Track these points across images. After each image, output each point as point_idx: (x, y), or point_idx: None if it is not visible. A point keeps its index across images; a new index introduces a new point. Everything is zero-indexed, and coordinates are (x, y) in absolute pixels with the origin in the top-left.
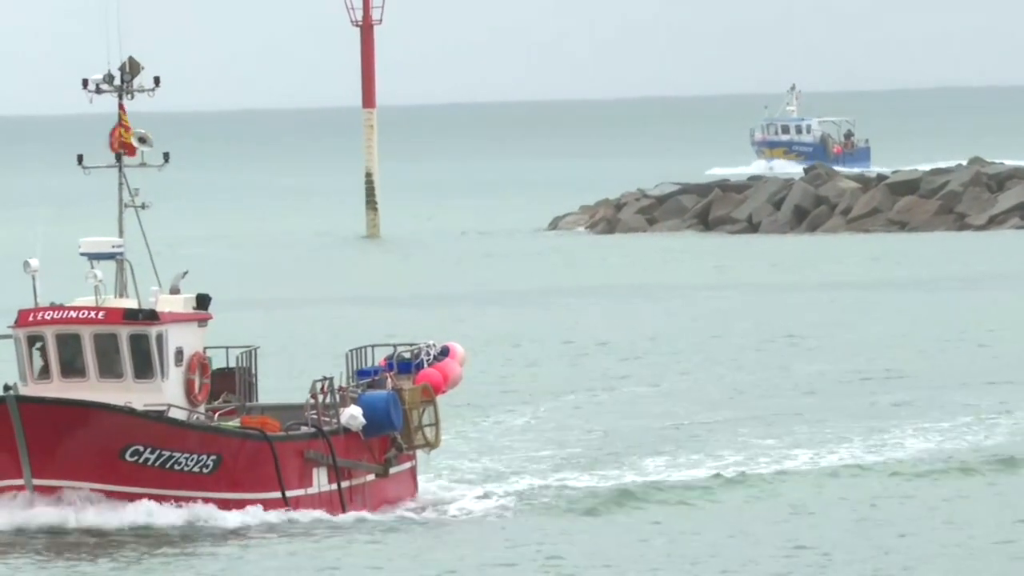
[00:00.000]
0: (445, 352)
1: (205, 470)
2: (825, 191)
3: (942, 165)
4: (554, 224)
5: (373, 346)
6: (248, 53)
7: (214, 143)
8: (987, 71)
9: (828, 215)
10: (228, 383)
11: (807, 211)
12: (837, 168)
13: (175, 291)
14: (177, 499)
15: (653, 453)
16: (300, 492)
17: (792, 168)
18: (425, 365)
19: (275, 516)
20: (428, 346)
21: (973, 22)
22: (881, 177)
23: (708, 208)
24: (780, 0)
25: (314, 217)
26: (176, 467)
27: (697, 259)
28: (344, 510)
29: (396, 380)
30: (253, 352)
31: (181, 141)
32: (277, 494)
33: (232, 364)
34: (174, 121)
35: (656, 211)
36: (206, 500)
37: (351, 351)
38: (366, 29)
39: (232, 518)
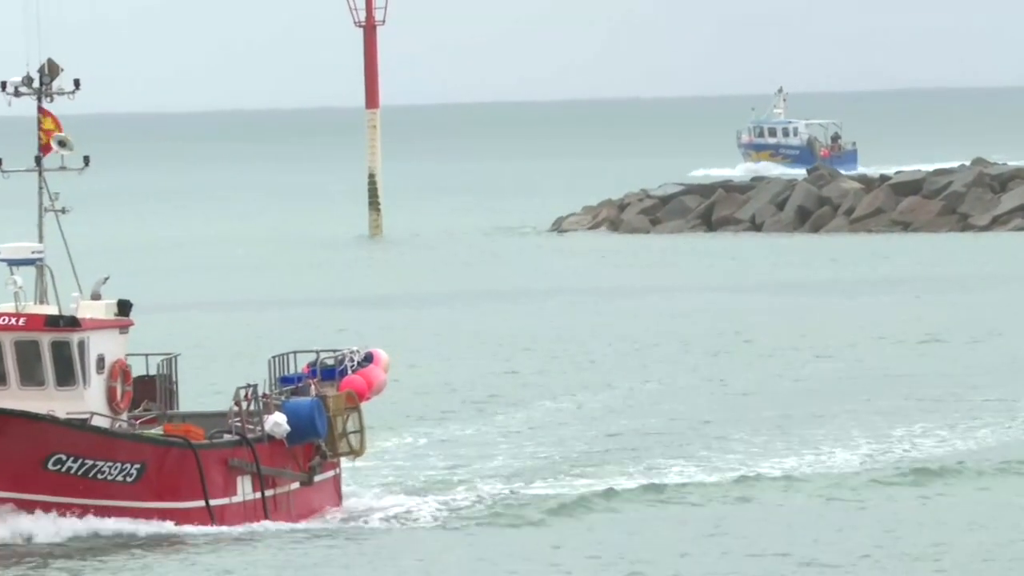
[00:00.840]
0: (369, 358)
1: (129, 479)
2: (828, 192)
3: (935, 167)
4: (557, 224)
5: (296, 352)
6: (249, 53)
7: (215, 143)
8: (983, 72)
9: (831, 216)
10: (148, 391)
11: (810, 211)
12: None
13: (96, 297)
14: (101, 508)
15: (653, 454)
16: (224, 501)
17: (777, 170)
18: (349, 371)
19: (199, 525)
20: (352, 352)
21: (971, 22)
22: (884, 178)
23: (711, 208)
24: (782, 1)
25: (315, 217)
26: (100, 476)
27: (701, 259)
28: (268, 519)
29: (320, 387)
30: (173, 359)
31: (181, 141)
32: (201, 503)
33: (158, 372)
34: (174, 121)
35: (659, 211)
36: (130, 509)
37: (274, 357)
38: (369, 30)
39: (156, 527)
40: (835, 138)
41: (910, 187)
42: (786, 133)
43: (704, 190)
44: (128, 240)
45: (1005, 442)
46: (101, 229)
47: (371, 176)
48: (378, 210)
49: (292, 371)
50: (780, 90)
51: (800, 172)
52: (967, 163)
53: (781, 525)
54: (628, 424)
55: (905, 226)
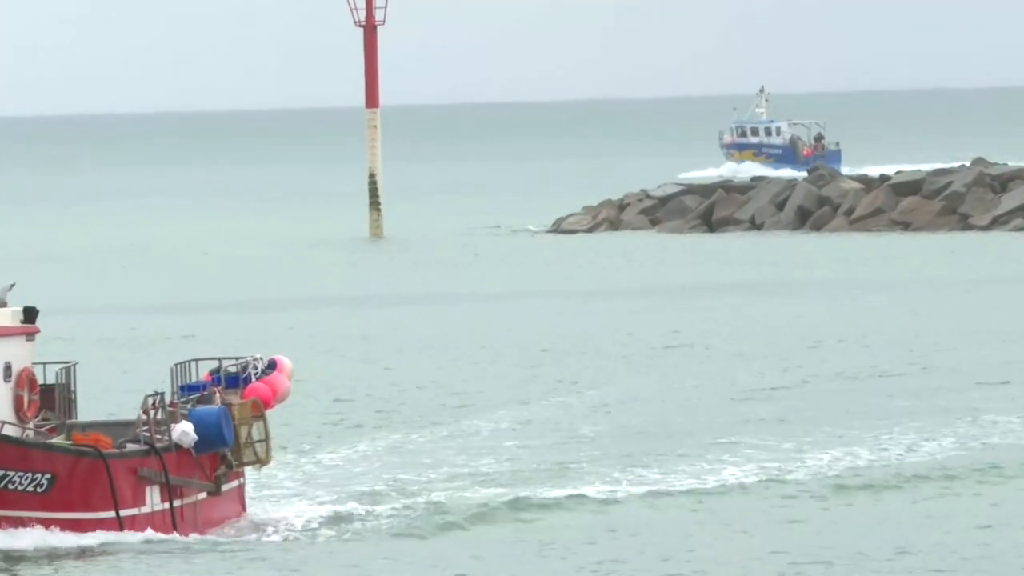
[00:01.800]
0: (272, 366)
1: (39, 489)
2: (828, 192)
3: (922, 167)
4: (557, 224)
5: (197, 360)
6: (249, 53)
7: (215, 142)
8: (976, 72)
9: (831, 216)
10: (48, 400)
11: (810, 212)
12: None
13: (1, 304)
14: (10, 520)
15: (653, 454)
16: (134, 511)
17: (760, 171)
18: (253, 379)
19: (109, 536)
20: (255, 359)
21: (963, 22)
22: (884, 178)
23: (711, 209)
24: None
25: (316, 217)
26: (10, 486)
27: (700, 260)
28: (176, 529)
29: (224, 395)
30: (72, 368)
31: (181, 140)
32: (112, 513)
33: (56, 380)
34: (174, 120)
35: (659, 211)
36: (40, 520)
37: (176, 365)
38: (369, 29)
39: (66, 538)
40: (818, 138)
41: (910, 187)
42: (768, 133)
43: (704, 190)
44: (126, 240)
45: (1007, 442)
46: (98, 229)
47: (371, 176)
48: (378, 210)
49: (194, 379)
50: (762, 90)
51: (782, 172)
52: (967, 163)
53: (779, 526)
54: (626, 425)
55: (905, 226)
